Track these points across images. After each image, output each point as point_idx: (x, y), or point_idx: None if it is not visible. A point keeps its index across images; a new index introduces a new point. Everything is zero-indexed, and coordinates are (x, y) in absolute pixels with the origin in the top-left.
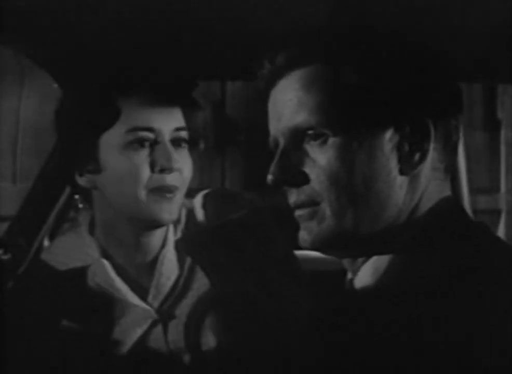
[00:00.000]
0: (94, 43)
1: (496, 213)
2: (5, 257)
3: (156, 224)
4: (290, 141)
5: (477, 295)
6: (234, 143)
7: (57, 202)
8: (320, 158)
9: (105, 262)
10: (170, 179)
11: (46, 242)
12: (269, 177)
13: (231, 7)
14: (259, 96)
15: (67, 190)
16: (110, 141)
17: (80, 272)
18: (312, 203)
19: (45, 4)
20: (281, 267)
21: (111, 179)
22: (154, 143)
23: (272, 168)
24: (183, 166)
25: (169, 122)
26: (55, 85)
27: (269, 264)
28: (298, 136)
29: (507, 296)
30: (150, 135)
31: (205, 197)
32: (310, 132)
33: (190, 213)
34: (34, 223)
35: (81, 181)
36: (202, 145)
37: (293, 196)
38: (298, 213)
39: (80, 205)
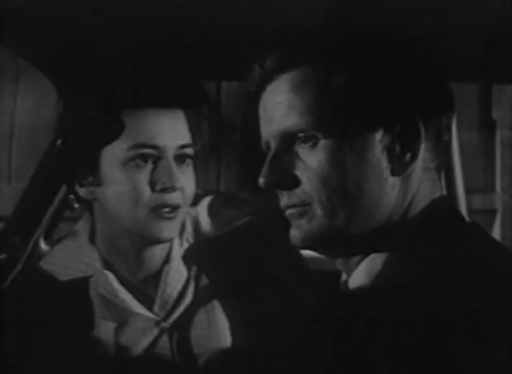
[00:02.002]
0: (91, 44)
1: (491, 213)
2: (0, 256)
3: (155, 241)
4: (281, 144)
5: (472, 295)
6: (229, 144)
7: (52, 202)
8: (311, 161)
9: (108, 272)
10: (171, 198)
11: (42, 242)
12: (261, 180)
13: (227, 7)
14: (249, 100)
15: (63, 189)
16: (112, 155)
17: (82, 283)
18: (302, 204)
19: (44, 5)
20: (288, 267)
21: (111, 194)
22: (157, 159)
23: (263, 171)
24: (185, 184)
25: (174, 139)
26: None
27: (277, 265)
28: (289, 139)
29: (501, 296)
30: (154, 152)
31: (210, 204)
32: (300, 134)
33: (195, 221)
34: (29, 222)
35: (82, 191)
36: (198, 146)
37: (284, 199)
38: (288, 211)
39: (76, 205)
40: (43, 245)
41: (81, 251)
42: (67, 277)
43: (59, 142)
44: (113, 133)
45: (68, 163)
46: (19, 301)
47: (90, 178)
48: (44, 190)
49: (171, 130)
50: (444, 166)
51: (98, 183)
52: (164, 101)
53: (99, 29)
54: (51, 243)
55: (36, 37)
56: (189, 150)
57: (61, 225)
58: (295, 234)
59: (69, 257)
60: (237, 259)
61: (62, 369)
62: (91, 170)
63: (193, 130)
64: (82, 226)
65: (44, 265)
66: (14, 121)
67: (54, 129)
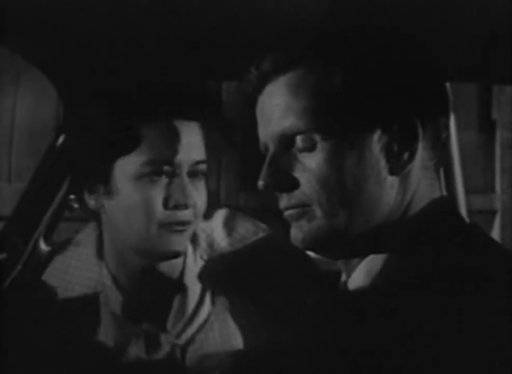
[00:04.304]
0: (91, 44)
1: (491, 213)
2: (0, 256)
3: (163, 256)
4: (279, 146)
5: (471, 296)
6: (230, 144)
7: (52, 202)
8: (309, 162)
9: (118, 288)
10: (184, 215)
11: (42, 243)
12: (260, 182)
13: (227, 7)
14: (247, 102)
15: (63, 189)
16: (126, 168)
17: (91, 299)
18: (302, 206)
19: (44, 5)
20: (304, 278)
21: (122, 207)
22: (172, 175)
23: (262, 173)
24: (198, 200)
25: (190, 154)
26: None
27: (294, 278)
28: (287, 141)
29: (501, 296)
30: (169, 168)
31: (225, 221)
32: (298, 136)
33: (210, 238)
34: (29, 222)
35: (90, 201)
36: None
37: (284, 200)
38: (287, 213)
39: (76, 206)
40: (43, 246)
41: (88, 266)
42: (73, 293)
43: (60, 141)
44: (130, 146)
45: (73, 166)
46: (25, 329)
47: (101, 188)
48: (44, 190)
49: (187, 145)
50: (443, 164)
51: (109, 194)
52: (181, 112)
53: (99, 29)
54: (51, 243)
55: (36, 37)
56: (202, 167)
57: (61, 225)
58: (295, 234)
59: (74, 271)
60: (252, 273)
61: (61, 369)
62: (102, 180)
63: (209, 143)
64: (86, 237)
65: (47, 278)
66: (14, 121)
67: (55, 129)
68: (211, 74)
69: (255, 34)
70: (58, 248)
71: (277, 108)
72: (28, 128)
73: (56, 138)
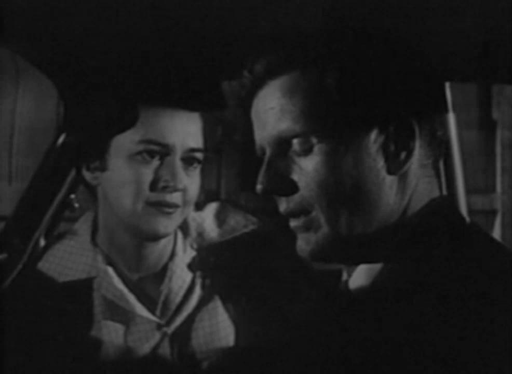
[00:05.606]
0: (91, 43)
1: (492, 213)
2: (0, 257)
3: (150, 236)
4: (276, 149)
5: (472, 295)
6: (230, 144)
7: (53, 202)
8: (307, 165)
9: (112, 273)
10: (171, 197)
11: (42, 242)
12: (258, 186)
13: (226, 7)
14: (241, 105)
15: (64, 189)
16: (121, 145)
17: (85, 284)
18: (303, 211)
19: (44, 5)
20: (292, 269)
21: (113, 182)
22: (164, 156)
23: (260, 177)
24: (189, 186)
25: (186, 141)
26: None
27: (282, 268)
28: (283, 144)
29: (502, 296)
30: (161, 149)
31: (217, 212)
32: (295, 139)
33: (200, 227)
34: (29, 222)
35: (87, 176)
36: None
37: (283, 204)
38: (293, 224)
39: (76, 205)
40: (43, 246)
41: (83, 252)
42: (67, 278)
43: (61, 141)
44: (126, 123)
45: (80, 151)
46: (20, 300)
47: (97, 163)
48: (45, 190)
49: (184, 131)
50: (440, 160)
51: (103, 169)
52: (182, 102)
53: (99, 29)
54: (50, 241)
55: (36, 37)
56: (198, 155)
57: (61, 225)
58: (302, 245)
59: (69, 257)
60: (242, 264)
61: (62, 369)
62: (98, 155)
63: (207, 134)
64: (82, 225)
65: (43, 265)
66: (14, 121)
67: (55, 128)
68: (210, 74)
69: (252, 34)
70: (56, 238)
71: (272, 112)
72: (29, 128)
73: (57, 137)
